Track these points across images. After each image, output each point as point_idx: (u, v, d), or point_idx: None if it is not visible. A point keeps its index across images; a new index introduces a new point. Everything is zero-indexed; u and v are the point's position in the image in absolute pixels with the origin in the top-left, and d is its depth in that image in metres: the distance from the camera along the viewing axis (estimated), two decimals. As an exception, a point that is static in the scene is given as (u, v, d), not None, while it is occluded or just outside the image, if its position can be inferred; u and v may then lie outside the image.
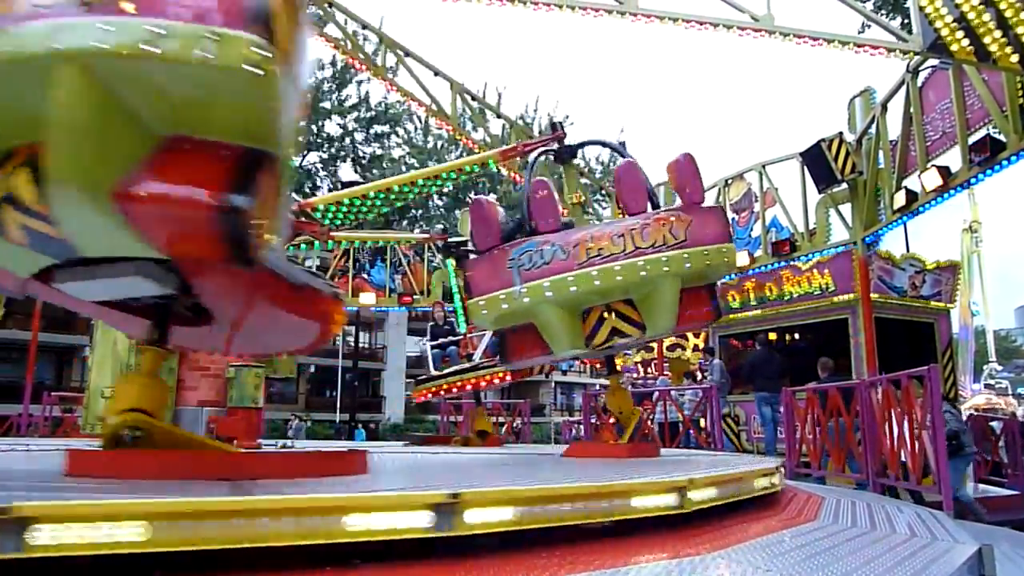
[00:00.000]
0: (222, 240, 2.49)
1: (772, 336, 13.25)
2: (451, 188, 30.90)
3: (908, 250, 14.48)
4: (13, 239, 2.61)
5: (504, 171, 15.11)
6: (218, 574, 2.09)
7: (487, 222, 6.09)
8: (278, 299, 3.41)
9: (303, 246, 11.02)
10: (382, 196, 8.07)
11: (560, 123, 8.10)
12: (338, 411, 32.79)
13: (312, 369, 37.19)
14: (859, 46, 7.45)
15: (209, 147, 2.46)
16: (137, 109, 2.38)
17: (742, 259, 12.31)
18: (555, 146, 7.53)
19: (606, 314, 5.78)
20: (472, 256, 6.33)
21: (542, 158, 8.06)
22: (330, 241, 11.40)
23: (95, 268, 2.89)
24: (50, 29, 2.21)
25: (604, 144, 10.17)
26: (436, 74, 13.03)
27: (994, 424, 13.79)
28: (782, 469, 5.17)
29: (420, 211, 31.21)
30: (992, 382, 29.69)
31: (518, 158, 11.66)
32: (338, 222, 8.45)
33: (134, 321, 3.66)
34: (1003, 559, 3.63)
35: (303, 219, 8.60)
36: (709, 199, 13.44)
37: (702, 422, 11.42)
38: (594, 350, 6.02)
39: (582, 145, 8.17)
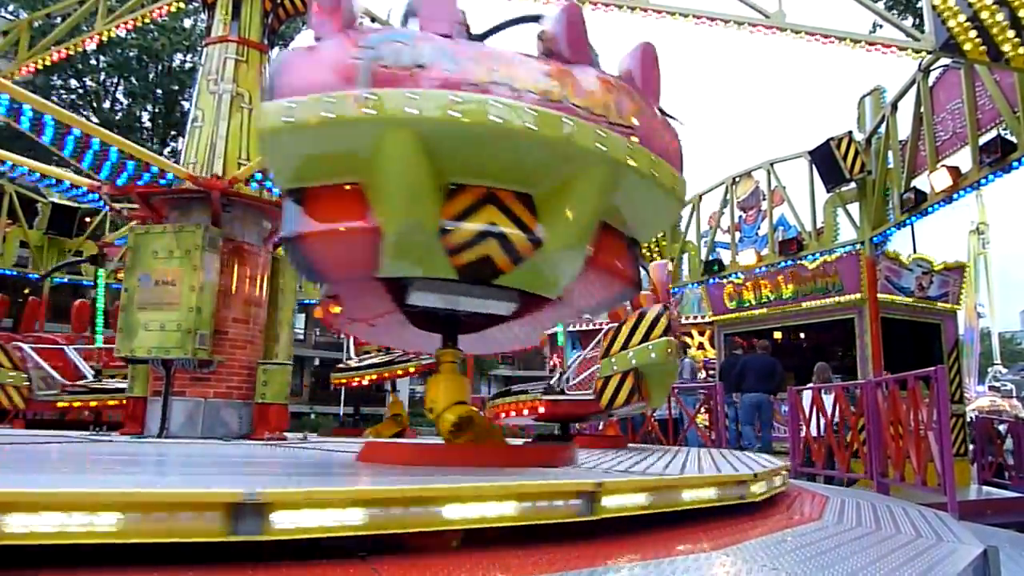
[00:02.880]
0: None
1: (777, 335, 13.24)
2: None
3: (915, 251, 14.43)
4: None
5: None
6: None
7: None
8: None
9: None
10: None
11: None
12: (342, 404, 32.83)
13: (316, 362, 37.26)
14: (871, 44, 7.40)
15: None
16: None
17: (749, 257, 12.28)
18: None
19: (485, 200, 3.27)
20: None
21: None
22: None
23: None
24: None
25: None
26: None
27: (999, 427, 13.80)
28: (786, 470, 5.17)
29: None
30: (997, 384, 29.63)
31: None
32: None
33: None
34: (1007, 561, 3.62)
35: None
36: (716, 196, 13.50)
37: (699, 419, 11.42)
38: (446, 253, 3.28)
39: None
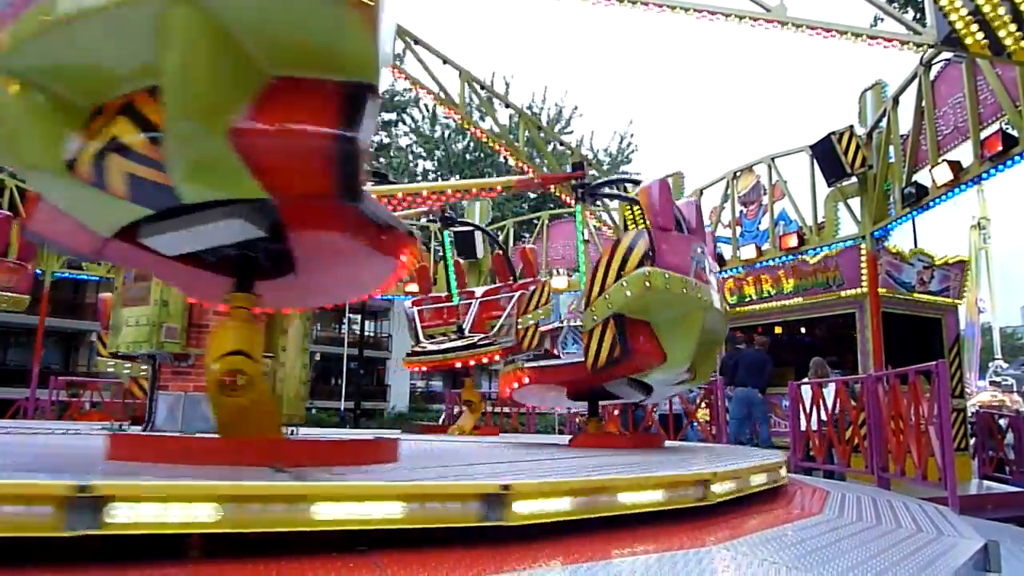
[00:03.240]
0: (334, 172, 2.56)
1: (778, 330, 13.23)
2: (458, 178, 30.91)
3: (916, 245, 14.42)
4: (115, 190, 2.62)
5: (512, 161, 15.04)
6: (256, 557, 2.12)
7: (669, 203, 5.72)
8: (366, 238, 3.21)
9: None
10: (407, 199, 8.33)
11: (584, 163, 8.00)
12: (343, 399, 32.90)
13: (317, 357, 37.32)
14: (872, 38, 7.39)
15: (318, 83, 2.55)
16: (246, 48, 2.45)
17: (750, 252, 12.28)
18: (575, 183, 7.55)
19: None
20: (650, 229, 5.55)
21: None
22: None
23: (185, 218, 2.83)
24: None
25: (618, 187, 10.90)
26: (444, 62, 12.99)
27: (1000, 421, 13.79)
28: (787, 463, 5.17)
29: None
30: (998, 379, 29.65)
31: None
32: None
33: (213, 281, 3.54)
34: (1008, 555, 3.62)
35: None
36: (717, 191, 13.48)
37: (699, 414, 11.42)
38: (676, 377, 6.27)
39: (602, 187, 8.58)
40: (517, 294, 9.49)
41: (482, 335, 9.73)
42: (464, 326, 10.13)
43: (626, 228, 14.49)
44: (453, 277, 10.73)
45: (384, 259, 3.45)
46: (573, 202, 7.77)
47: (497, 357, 9.44)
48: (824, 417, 8.27)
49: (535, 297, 9.13)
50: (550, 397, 7.63)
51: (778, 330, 13.23)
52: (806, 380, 9.27)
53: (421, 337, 10.77)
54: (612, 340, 5.38)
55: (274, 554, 2.13)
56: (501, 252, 11.06)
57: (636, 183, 8.28)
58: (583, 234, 7.69)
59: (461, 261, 16.07)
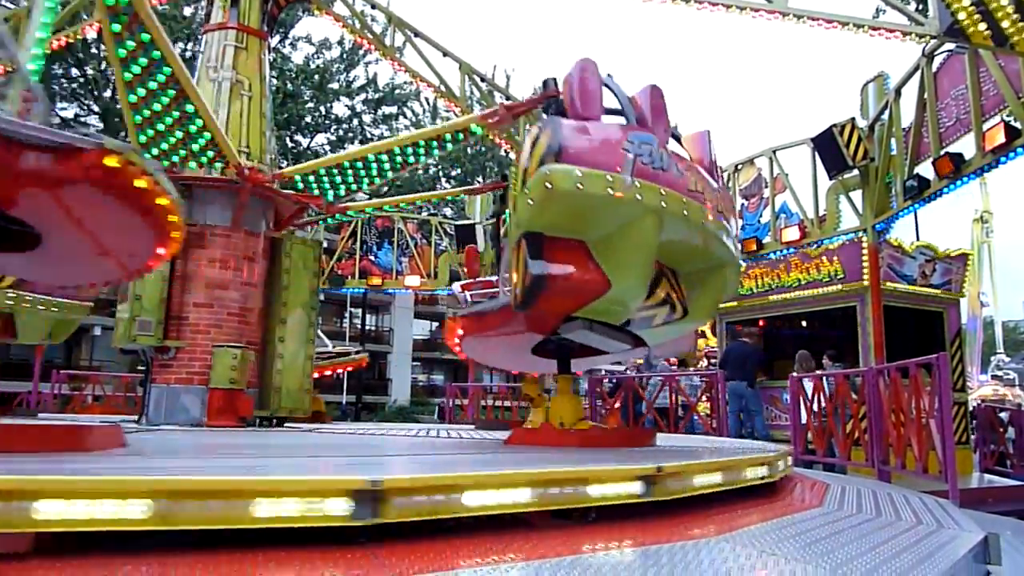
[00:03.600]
0: None
1: (779, 324, 13.22)
2: (459, 172, 30.85)
3: (918, 239, 14.38)
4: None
5: (513, 155, 14.99)
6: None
7: (594, 86, 4.40)
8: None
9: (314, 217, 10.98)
10: (359, 166, 8.06)
11: (553, 80, 6.96)
12: (344, 393, 32.94)
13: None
14: (874, 29, 7.34)
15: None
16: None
17: (750, 245, 12.25)
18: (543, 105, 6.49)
19: (662, 274, 4.53)
20: (566, 119, 4.24)
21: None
22: (341, 216, 11.42)
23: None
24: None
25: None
26: (445, 55, 12.93)
27: (1001, 415, 13.79)
28: (789, 456, 5.16)
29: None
30: (1000, 373, 29.65)
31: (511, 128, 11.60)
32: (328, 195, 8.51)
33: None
34: (1009, 548, 3.61)
35: (304, 193, 8.66)
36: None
37: (701, 408, 11.43)
38: (635, 311, 4.56)
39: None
40: None
41: None
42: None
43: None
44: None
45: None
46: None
47: None
48: (816, 409, 8.27)
49: None
50: (511, 354, 6.17)
51: (779, 324, 13.22)
52: (810, 373, 9.26)
53: None
54: (523, 266, 4.31)
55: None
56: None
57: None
58: None
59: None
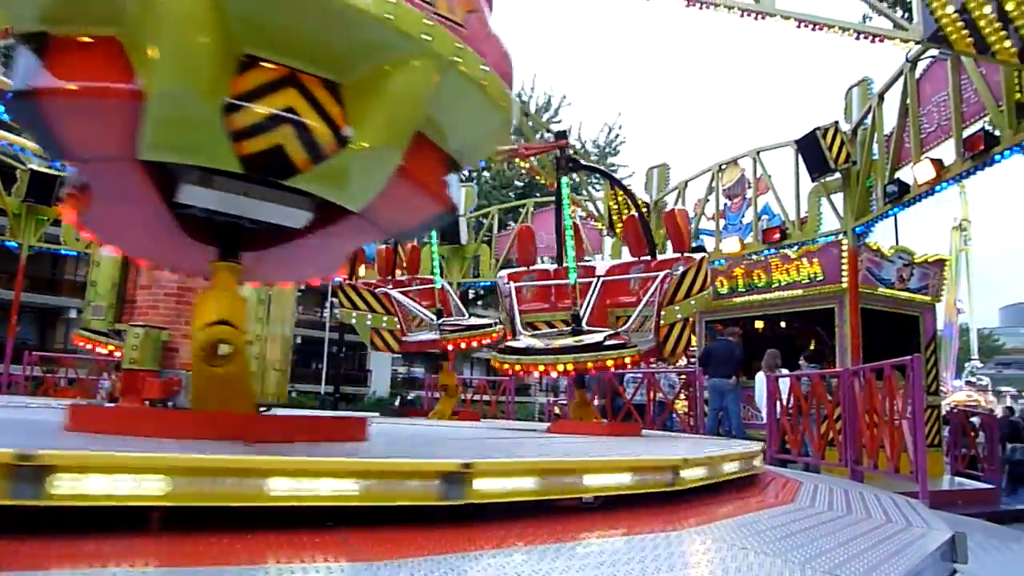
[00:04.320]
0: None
1: (758, 324, 13.31)
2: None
3: (897, 243, 14.54)
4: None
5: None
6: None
7: None
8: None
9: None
10: None
11: (566, 133, 7.62)
12: (323, 383, 32.79)
13: (298, 340, 37.17)
14: (860, 33, 7.41)
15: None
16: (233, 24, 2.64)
17: (732, 245, 12.32)
18: (557, 153, 7.13)
19: (286, 81, 2.74)
20: None
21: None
22: None
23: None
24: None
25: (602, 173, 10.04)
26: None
27: (973, 420, 13.99)
28: (762, 453, 5.21)
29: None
30: (973, 379, 30.11)
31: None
32: None
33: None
34: (976, 548, 3.66)
35: None
36: (702, 183, 13.50)
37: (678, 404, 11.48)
38: (229, 137, 2.68)
39: (585, 168, 7.68)
40: (660, 274, 7.02)
41: (609, 331, 6.86)
42: (580, 315, 7.19)
43: (611, 220, 14.46)
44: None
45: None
46: (556, 175, 7.17)
47: (629, 364, 6.66)
48: (790, 409, 8.35)
49: (688, 280, 6.67)
50: (153, 237, 3.96)
51: (759, 324, 13.32)
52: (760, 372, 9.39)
53: (519, 327, 7.63)
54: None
55: (236, 528, 2.10)
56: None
57: (611, 178, 7.94)
58: (568, 210, 7.17)
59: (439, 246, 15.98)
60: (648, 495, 3.21)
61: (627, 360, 6.46)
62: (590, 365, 6.60)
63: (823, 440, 7.82)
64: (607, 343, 6.49)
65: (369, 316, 9.08)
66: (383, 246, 11.39)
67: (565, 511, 2.87)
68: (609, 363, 6.51)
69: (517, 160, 13.39)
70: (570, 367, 6.58)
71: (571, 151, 7.32)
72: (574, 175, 8.61)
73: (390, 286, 10.08)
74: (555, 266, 7.92)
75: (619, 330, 6.90)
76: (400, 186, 3.04)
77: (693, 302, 6.55)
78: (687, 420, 11.12)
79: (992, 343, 58.29)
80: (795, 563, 2.55)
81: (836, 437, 7.56)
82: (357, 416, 4.19)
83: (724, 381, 10.72)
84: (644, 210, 14.00)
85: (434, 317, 9.28)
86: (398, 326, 9.18)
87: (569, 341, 6.75)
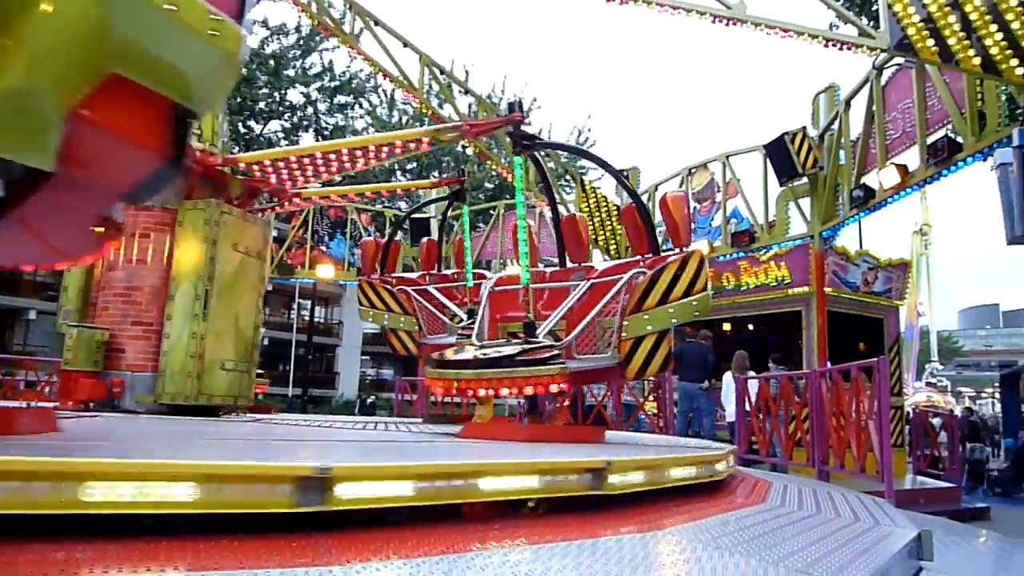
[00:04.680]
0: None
1: (726, 327, 13.45)
2: (415, 166, 30.62)
3: (861, 247, 14.82)
4: None
5: (469, 150, 14.99)
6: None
7: None
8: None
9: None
10: (307, 162, 7.85)
11: (519, 103, 6.39)
12: (291, 385, 32.46)
13: (265, 341, 36.74)
14: (828, 40, 7.54)
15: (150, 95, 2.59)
16: (104, 38, 2.39)
17: (702, 248, 12.43)
18: (511, 129, 5.99)
19: None
20: None
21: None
22: (294, 202, 11.20)
23: None
24: None
25: (575, 151, 8.19)
26: (405, 45, 12.82)
27: (934, 420, 14.30)
28: (732, 454, 5.25)
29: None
30: (933, 380, 30.79)
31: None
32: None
33: None
34: (940, 545, 3.73)
35: (258, 178, 8.40)
36: (671, 187, 13.58)
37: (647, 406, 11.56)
38: None
39: (545, 145, 6.42)
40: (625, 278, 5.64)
41: (549, 341, 5.65)
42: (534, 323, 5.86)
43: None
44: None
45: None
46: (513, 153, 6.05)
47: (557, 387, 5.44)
48: (758, 410, 8.46)
49: (663, 282, 5.30)
50: None
51: (727, 327, 13.46)
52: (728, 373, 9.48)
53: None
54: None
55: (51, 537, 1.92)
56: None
57: (591, 157, 6.64)
58: (521, 196, 6.02)
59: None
60: (610, 497, 3.17)
61: (551, 382, 5.32)
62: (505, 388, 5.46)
63: (791, 440, 7.93)
64: (520, 357, 5.38)
65: (386, 316, 8.69)
66: (426, 238, 10.12)
67: (477, 518, 2.68)
68: (528, 389, 5.43)
69: (474, 147, 13.23)
70: (482, 389, 5.50)
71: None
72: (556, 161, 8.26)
73: (430, 282, 8.99)
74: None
75: (562, 343, 5.66)
76: (97, 136, 2.66)
77: (672, 310, 5.17)
78: (656, 421, 11.20)
79: (951, 345, 59.62)
80: (769, 561, 2.58)
81: (804, 437, 7.67)
82: (43, 407, 3.97)
83: (695, 386, 10.79)
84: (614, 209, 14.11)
85: (466, 316, 8.27)
86: (416, 327, 8.49)
87: (480, 352, 5.68)
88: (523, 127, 6.15)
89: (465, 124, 7.91)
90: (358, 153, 7.63)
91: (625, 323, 5.39)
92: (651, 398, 11.54)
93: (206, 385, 7.65)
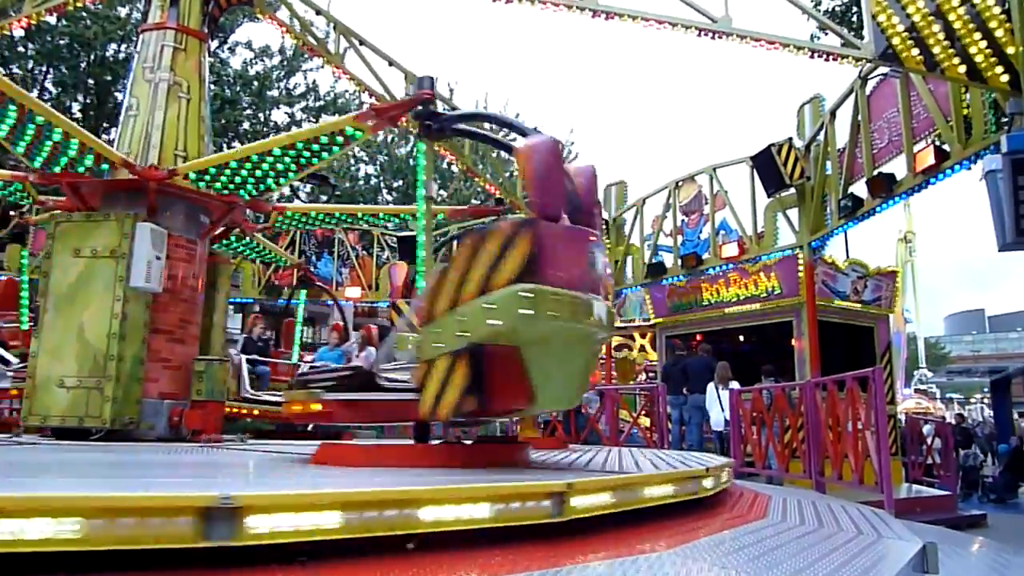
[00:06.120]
0: None
1: (717, 338, 13.42)
2: (401, 184, 30.56)
3: (848, 256, 14.85)
4: None
5: (455, 167, 14.87)
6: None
7: (558, 176, 3.88)
8: None
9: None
10: (249, 166, 7.68)
11: (430, 79, 5.67)
12: (280, 406, 32.07)
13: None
14: (813, 51, 7.57)
15: None
16: None
17: (690, 261, 12.42)
18: (418, 108, 5.42)
19: None
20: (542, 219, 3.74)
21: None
22: (279, 223, 11.10)
23: None
24: None
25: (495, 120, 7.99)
26: (391, 64, 12.80)
27: (926, 427, 14.30)
28: (730, 468, 5.20)
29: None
30: (923, 387, 30.90)
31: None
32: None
33: None
34: (941, 556, 3.68)
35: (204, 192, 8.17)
36: (659, 200, 13.57)
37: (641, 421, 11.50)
38: None
39: (457, 121, 5.79)
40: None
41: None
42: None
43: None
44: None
45: None
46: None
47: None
48: (752, 422, 8.41)
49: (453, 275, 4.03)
50: None
51: (717, 338, 13.44)
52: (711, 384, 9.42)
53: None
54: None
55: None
56: None
57: (506, 123, 5.72)
58: (424, 187, 5.42)
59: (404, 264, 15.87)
60: (609, 518, 3.09)
61: (290, 413, 4.88)
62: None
63: (787, 452, 7.88)
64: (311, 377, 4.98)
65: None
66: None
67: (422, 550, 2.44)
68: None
69: (461, 164, 13.01)
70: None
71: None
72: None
73: None
74: None
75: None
76: None
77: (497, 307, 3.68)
78: (649, 435, 11.14)
79: (938, 351, 59.88)
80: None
81: (800, 448, 7.62)
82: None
83: (702, 397, 10.76)
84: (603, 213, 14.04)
85: None
86: None
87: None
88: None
89: (372, 107, 7.53)
90: (293, 153, 7.46)
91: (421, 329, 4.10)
92: (643, 414, 11.49)
93: (38, 405, 7.16)
